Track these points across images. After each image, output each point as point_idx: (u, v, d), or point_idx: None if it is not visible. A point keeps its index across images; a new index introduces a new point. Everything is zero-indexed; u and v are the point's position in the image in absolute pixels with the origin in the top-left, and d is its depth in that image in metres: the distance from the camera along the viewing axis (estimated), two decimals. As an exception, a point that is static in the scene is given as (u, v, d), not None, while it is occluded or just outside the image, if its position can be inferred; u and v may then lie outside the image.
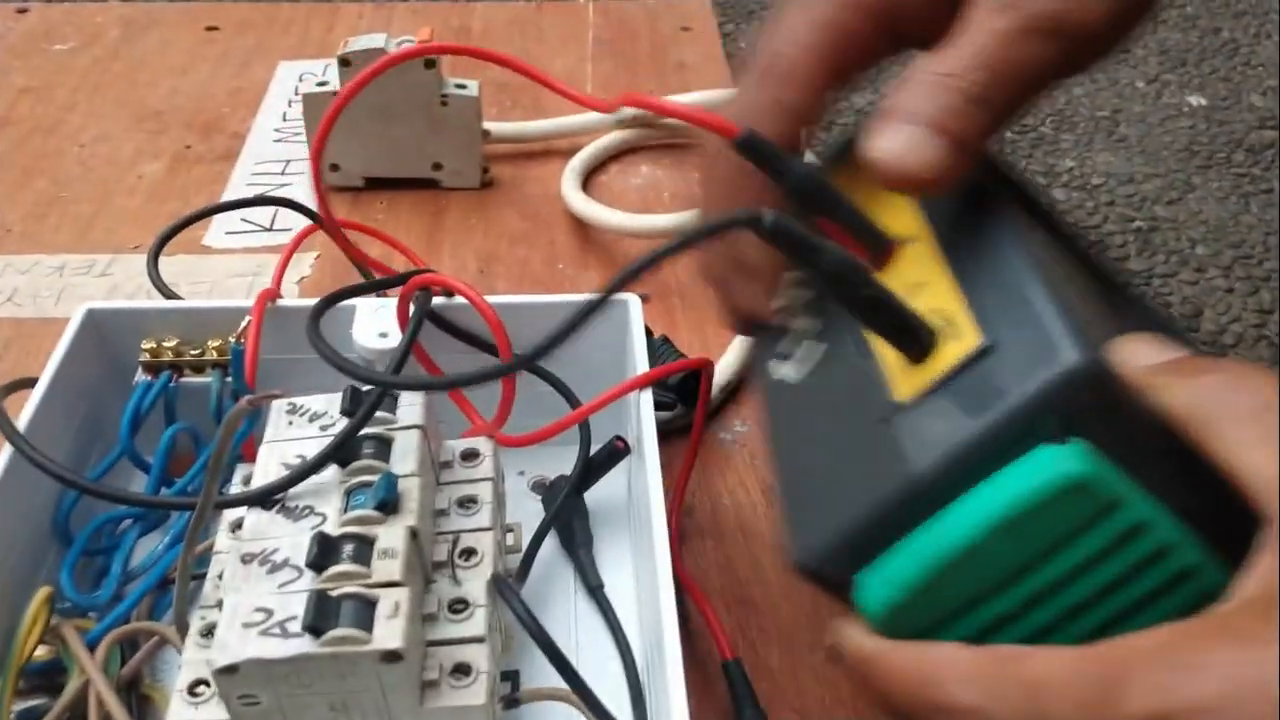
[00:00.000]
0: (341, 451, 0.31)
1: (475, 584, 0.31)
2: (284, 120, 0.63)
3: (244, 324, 0.35)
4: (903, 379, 0.26)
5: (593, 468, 0.39)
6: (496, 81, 0.66)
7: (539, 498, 0.41)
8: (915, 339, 0.25)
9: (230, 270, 0.52)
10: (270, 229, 0.54)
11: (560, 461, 0.40)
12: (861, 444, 0.26)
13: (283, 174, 0.59)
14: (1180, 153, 0.66)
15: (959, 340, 0.25)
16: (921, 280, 0.27)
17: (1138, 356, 0.23)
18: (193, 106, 0.65)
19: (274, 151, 0.60)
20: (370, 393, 0.32)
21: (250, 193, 0.57)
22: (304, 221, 0.55)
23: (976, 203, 0.27)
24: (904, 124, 0.26)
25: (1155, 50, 0.75)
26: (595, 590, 0.37)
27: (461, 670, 0.29)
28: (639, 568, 0.37)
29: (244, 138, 0.62)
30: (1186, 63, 0.74)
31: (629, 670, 0.34)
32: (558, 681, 0.31)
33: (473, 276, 0.52)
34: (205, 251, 0.53)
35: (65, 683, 0.32)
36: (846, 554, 0.25)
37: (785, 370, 0.30)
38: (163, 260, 0.51)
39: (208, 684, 0.29)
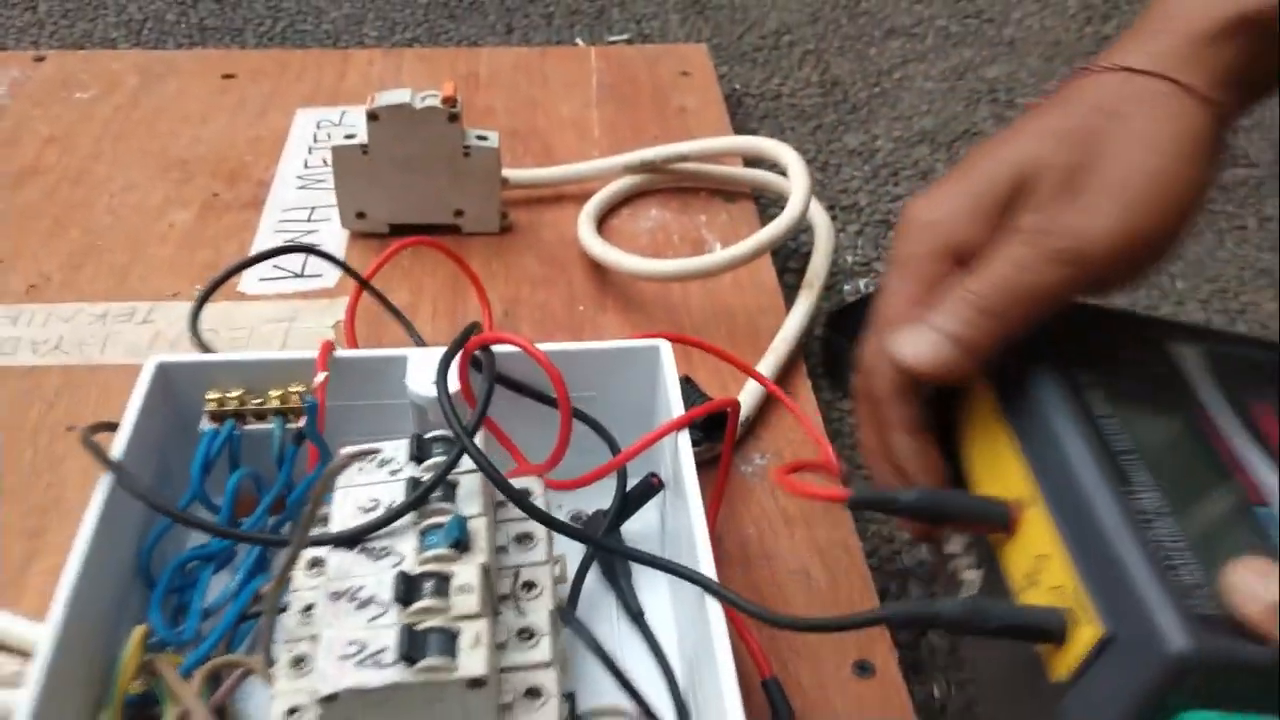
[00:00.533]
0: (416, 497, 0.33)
1: (539, 614, 0.34)
2: (305, 167, 0.66)
3: (321, 378, 0.38)
4: (1056, 657, 0.30)
5: (629, 503, 0.42)
6: (506, 129, 0.69)
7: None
8: (1049, 635, 0.30)
9: (265, 316, 0.54)
10: (301, 275, 0.57)
11: (596, 496, 0.42)
12: (1038, 715, 0.30)
13: (309, 220, 0.61)
14: (1156, 190, 0.70)
15: (1087, 624, 0.29)
16: (1043, 551, 0.31)
17: (1247, 594, 0.27)
18: (215, 155, 0.67)
19: (299, 199, 0.63)
20: (440, 446, 0.35)
21: (279, 239, 0.60)
22: (333, 268, 0.58)
23: (1070, 450, 0.32)
24: (925, 330, 0.34)
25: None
26: (637, 617, 0.40)
27: (533, 693, 0.32)
28: (677, 594, 0.40)
29: (268, 185, 0.64)
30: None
31: (673, 689, 0.37)
32: (610, 700, 0.34)
33: (498, 319, 0.55)
34: (240, 298, 0.56)
35: (157, 714, 0.34)
36: None
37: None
38: (204, 308, 0.54)
39: (302, 711, 0.31)
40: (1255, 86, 0.36)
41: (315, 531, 0.35)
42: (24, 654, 0.39)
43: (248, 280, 0.57)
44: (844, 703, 0.39)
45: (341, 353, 0.41)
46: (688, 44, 0.85)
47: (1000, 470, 0.34)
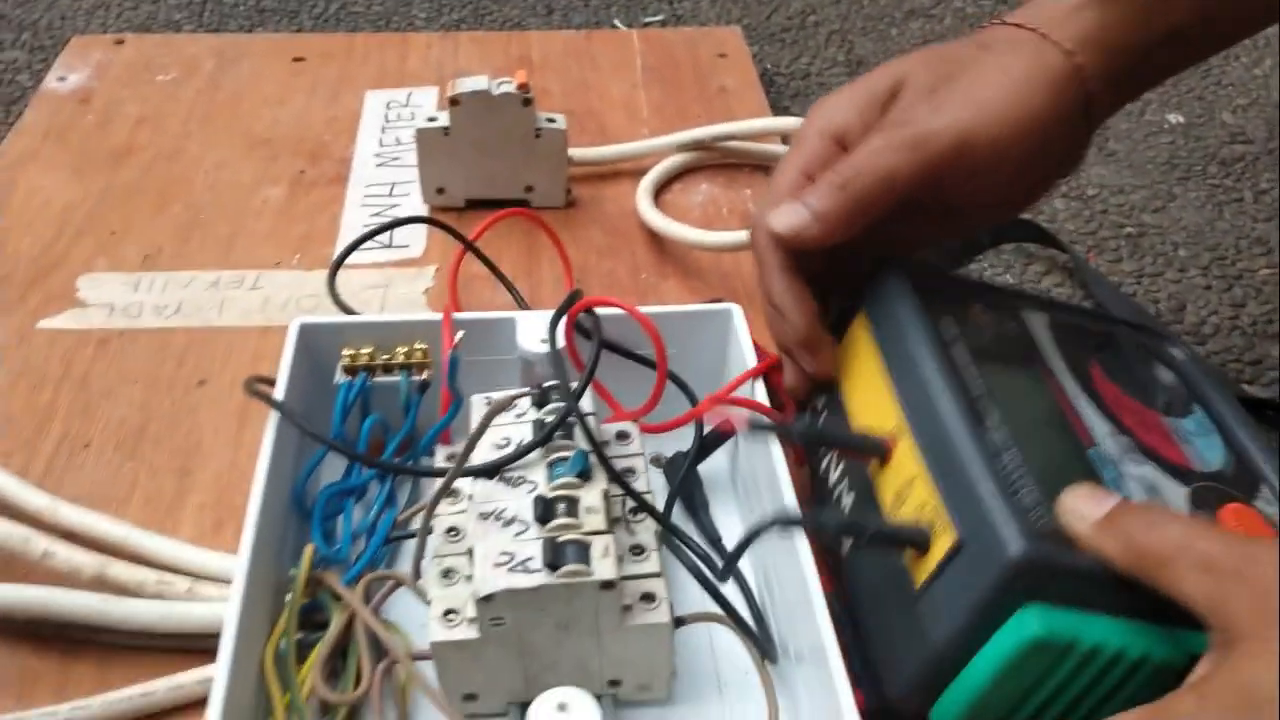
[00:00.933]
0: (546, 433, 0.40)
1: (646, 534, 0.40)
2: (381, 145, 0.72)
3: (459, 336, 0.44)
4: (917, 565, 0.36)
5: (704, 445, 0.48)
6: (563, 109, 0.74)
7: (659, 470, 0.50)
8: (917, 544, 0.36)
9: (364, 283, 0.60)
10: (391, 246, 0.63)
11: (674, 440, 0.49)
12: (902, 614, 0.36)
13: (390, 195, 0.67)
14: (1163, 166, 0.76)
15: (943, 535, 0.35)
16: (910, 475, 0.37)
17: (1077, 514, 0.33)
18: (296, 135, 0.73)
19: (379, 175, 0.69)
20: (557, 394, 0.41)
21: (365, 214, 0.66)
22: (419, 239, 0.64)
23: (934, 392, 0.38)
24: (793, 204, 0.41)
25: (1137, 72, 0.85)
26: (715, 543, 0.46)
27: (648, 598, 0.38)
28: (749, 522, 0.46)
29: (349, 163, 0.70)
30: (1165, 84, 0.84)
31: (749, 601, 0.43)
32: (699, 607, 0.41)
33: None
34: (339, 267, 0.61)
35: (322, 619, 0.40)
36: (911, 700, 0.35)
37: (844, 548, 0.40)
38: (306, 275, 0.60)
39: (456, 612, 0.38)
40: (1113, 50, 0.42)
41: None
42: (189, 574, 0.45)
43: (342, 251, 0.62)
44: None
45: (460, 315, 0.47)
46: (723, 27, 0.90)
47: (877, 405, 0.40)
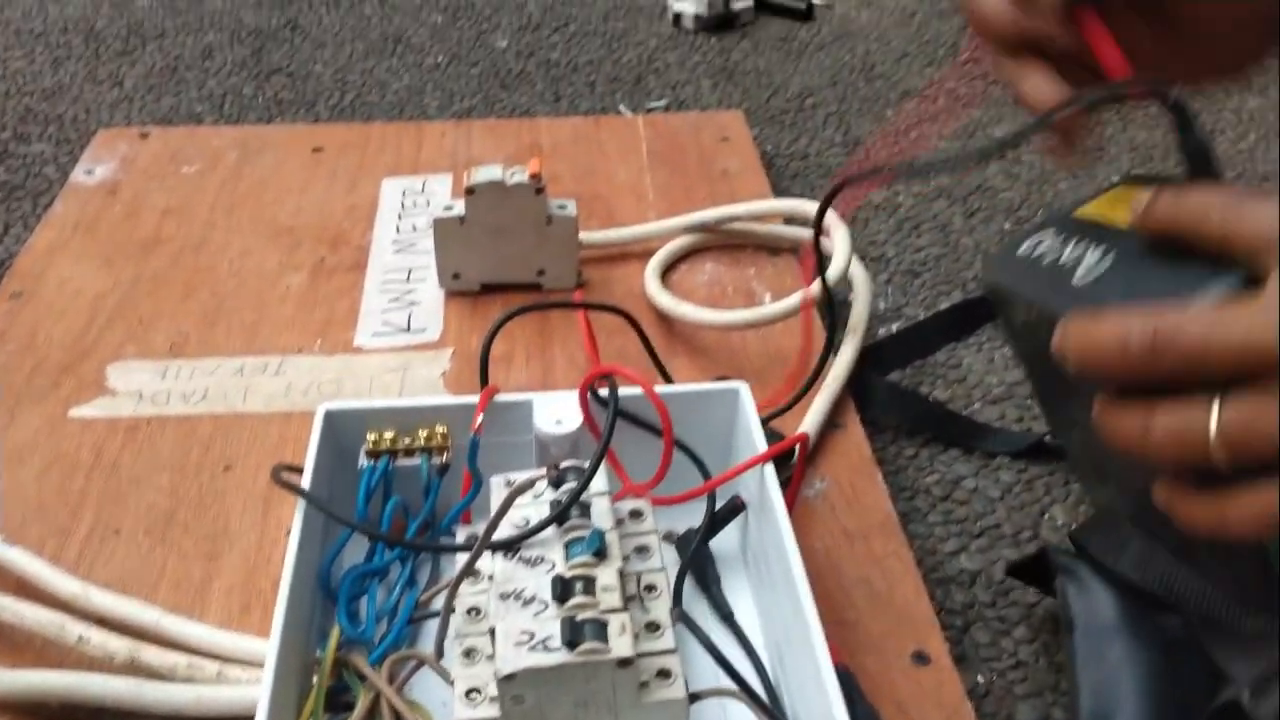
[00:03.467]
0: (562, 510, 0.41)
1: (660, 611, 0.42)
2: (398, 233, 0.74)
3: (479, 420, 0.46)
4: None
5: (716, 521, 0.50)
6: (571, 193, 0.77)
7: (670, 546, 0.51)
8: None
9: (383, 366, 0.62)
10: (408, 330, 0.65)
11: (684, 516, 0.50)
12: None
13: (408, 280, 0.70)
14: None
15: None
16: None
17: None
18: (317, 222, 0.75)
19: (396, 261, 0.71)
20: (573, 474, 0.43)
21: (384, 299, 0.68)
22: (436, 323, 0.66)
23: None
24: None
25: None
26: (727, 617, 0.48)
27: (664, 674, 0.39)
28: (761, 600, 0.48)
29: (367, 249, 0.73)
30: None
31: (761, 675, 0.45)
32: (711, 683, 0.42)
33: (584, 365, 0.63)
34: (356, 351, 0.64)
35: (349, 700, 0.42)
36: None
37: None
38: (327, 360, 0.62)
39: (479, 691, 0.39)
40: None
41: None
42: (218, 657, 0.47)
43: (361, 335, 0.65)
44: (907, 686, 0.46)
45: (475, 399, 0.49)
46: (725, 111, 0.93)
47: None
